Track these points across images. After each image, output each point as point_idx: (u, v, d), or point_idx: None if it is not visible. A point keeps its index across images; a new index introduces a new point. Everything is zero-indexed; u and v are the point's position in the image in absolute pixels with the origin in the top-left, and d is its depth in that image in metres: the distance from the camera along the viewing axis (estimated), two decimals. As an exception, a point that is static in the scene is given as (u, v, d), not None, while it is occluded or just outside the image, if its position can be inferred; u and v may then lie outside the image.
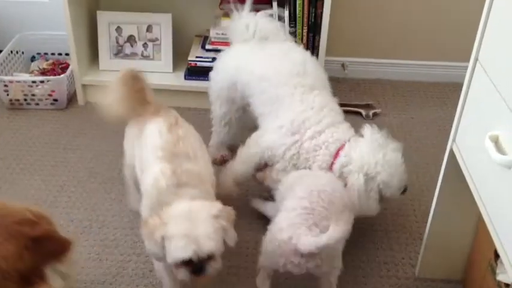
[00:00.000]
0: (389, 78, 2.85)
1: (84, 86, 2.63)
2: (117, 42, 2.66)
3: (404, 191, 1.84)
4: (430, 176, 2.18)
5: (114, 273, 1.83)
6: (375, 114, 2.59)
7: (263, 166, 1.94)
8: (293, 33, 2.39)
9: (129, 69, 1.82)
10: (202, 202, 1.50)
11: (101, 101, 1.82)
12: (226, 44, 2.30)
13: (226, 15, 2.34)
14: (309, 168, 1.83)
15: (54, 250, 1.36)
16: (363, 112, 2.58)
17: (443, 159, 1.58)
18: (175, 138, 1.64)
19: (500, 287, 1.49)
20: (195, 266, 1.43)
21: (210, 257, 1.44)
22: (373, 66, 2.86)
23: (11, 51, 2.72)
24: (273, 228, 1.60)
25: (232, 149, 2.17)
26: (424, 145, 2.41)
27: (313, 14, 2.43)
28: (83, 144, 2.40)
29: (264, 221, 1.79)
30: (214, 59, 2.33)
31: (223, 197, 1.62)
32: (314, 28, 2.45)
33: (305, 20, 2.44)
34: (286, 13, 2.41)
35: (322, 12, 2.37)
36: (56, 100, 2.60)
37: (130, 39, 2.66)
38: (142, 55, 2.68)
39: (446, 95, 2.74)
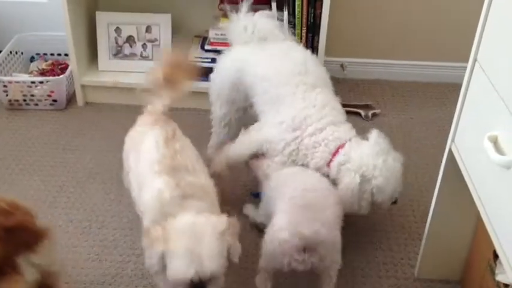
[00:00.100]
0: (389, 79, 2.85)
1: (83, 86, 2.63)
2: (116, 42, 2.66)
3: (394, 202, 1.85)
4: (429, 176, 2.18)
5: (113, 273, 1.83)
6: (374, 115, 2.59)
7: (260, 155, 1.93)
8: (292, 34, 2.38)
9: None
10: (208, 217, 1.42)
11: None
12: (226, 44, 2.30)
13: (226, 15, 2.34)
14: (307, 165, 1.84)
15: (28, 241, 1.34)
16: (362, 112, 2.58)
17: (442, 160, 1.58)
18: (172, 152, 1.58)
19: (499, 287, 1.49)
20: (196, 285, 1.35)
21: (213, 277, 1.36)
22: (372, 67, 2.86)
23: (10, 52, 2.72)
24: (272, 228, 1.60)
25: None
26: (423, 145, 2.41)
27: (312, 15, 2.43)
28: (82, 145, 2.40)
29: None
30: (213, 59, 2.33)
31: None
32: (313, 28, 2.45)
33: (304, 20, 2.44)
34: (285, 14, 2.41)
35: (321, 13, 2.38)
36: (55, 101, 2.60)
37: (130, 39, 2.66)
38: (141, 56, 2.68)
39: (445, 96, 2.74)
